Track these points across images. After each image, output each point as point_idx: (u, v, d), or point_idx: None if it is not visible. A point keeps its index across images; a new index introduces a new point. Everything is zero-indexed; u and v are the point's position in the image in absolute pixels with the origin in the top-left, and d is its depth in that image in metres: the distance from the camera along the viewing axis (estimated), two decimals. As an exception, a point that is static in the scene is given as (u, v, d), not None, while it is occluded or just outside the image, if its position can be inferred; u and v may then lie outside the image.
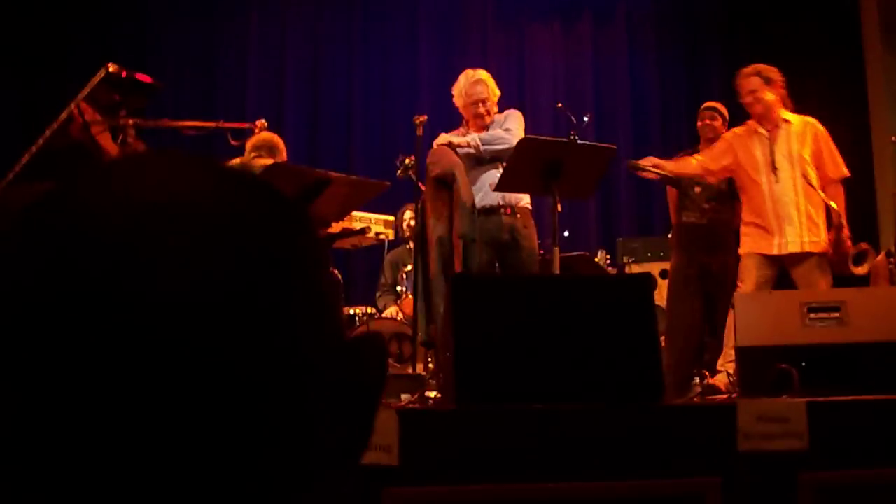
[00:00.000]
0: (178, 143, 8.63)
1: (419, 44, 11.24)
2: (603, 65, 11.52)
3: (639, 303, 3.76)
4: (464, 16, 11.44)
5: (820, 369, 4.93)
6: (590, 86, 11.40)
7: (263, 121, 5.75)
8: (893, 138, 7.06)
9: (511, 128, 6.23)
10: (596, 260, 8.43)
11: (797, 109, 10.38)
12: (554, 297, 3.67)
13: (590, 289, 3.84)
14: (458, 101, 6.50)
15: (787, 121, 6.86)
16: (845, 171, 6.81)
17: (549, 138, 5.90)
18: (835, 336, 5.05)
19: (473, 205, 6.05)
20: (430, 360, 6.86)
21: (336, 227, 5.74)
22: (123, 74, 6.22)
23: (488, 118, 6.42)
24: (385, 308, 8.11)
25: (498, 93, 6.49)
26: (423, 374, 5.72)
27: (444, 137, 6.25)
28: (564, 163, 5.59)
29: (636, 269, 9.18)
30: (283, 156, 6.85)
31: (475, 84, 6.45)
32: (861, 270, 6.70)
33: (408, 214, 7.97)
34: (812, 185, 6.58)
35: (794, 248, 6.61)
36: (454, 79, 6.70)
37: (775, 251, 6.62)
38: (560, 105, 6.52)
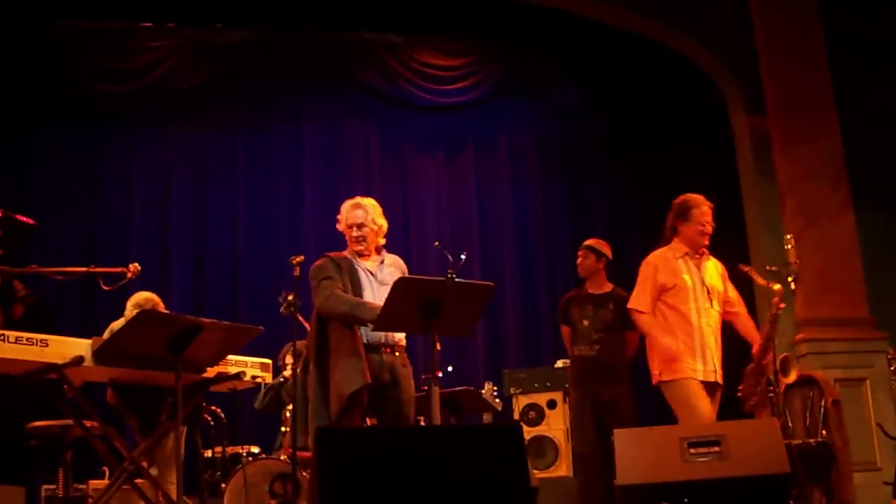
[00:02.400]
0: (59, 288, 8.52)
1: (303, 178, 11.28)
2: (487, 195, 11.65)
3: (510, 453, 3.71)
4: (348, 149, 11.52)
5: (701, 505, 4.91)
6: (474, 215, 11.53)
7: (136, 265, 5.67)
8: (768, 267, 7.17)
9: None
10: (483, 392, 8.38)
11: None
12: (423, 449, 3.61)
13: (459, 440, 3.79)
14: (340, 225, 6.45)
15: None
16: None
17: (425, 278, 5.88)
18: (716, 471, 5.05)
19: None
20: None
21: (211, 372, 5.63)
22: (1, 214, 6.14)
23: (363, 244, 6.31)
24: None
25: (381, 221, 6.39)
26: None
27: None
28: (443, 301, 5.57)
29: (524, 399, 9.20)
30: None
31: (352, 208, 6.39)
32: (790, 379, 6.77)
33: (288, 357, 7.91)
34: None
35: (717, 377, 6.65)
36: (337, 209, 6.66)
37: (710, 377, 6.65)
38: (437, 244, 6.48)
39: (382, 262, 6.34)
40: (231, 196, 11.13)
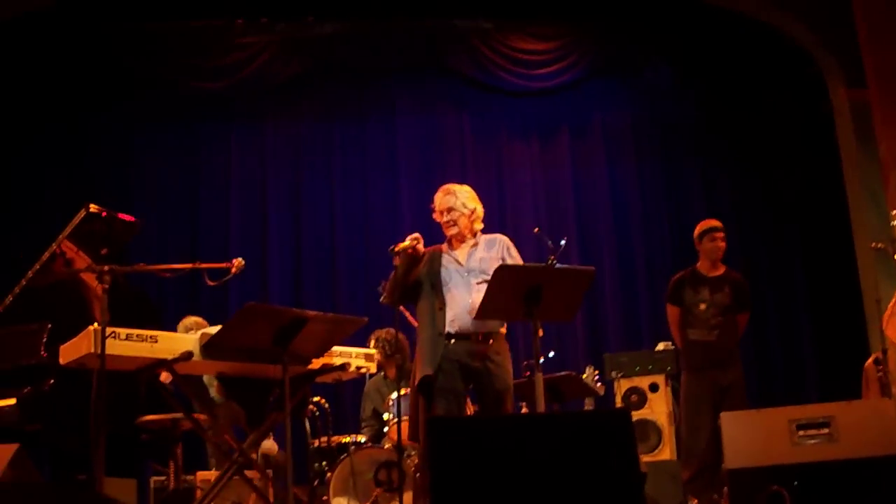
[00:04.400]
0: (161, 283, 8.69)
1: (398, 168, 11.34)
2: (582, 177, 11.58)
3: (619, 439, 3.70)
4: (441, 137, 11.54)
5: (812, 489, 4.85)
6: (570, 199, 11.45)
7: (240, 259, 5.74)
8: (873, 244, 7.05)
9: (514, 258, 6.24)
10: (584, 377, 8.36)
11: (777, 216, 10.53)
12: (532, 437, 3.62)
13: (568, 427, 3.78)
14: (434, 214, 6.45)
15: None
16: None
17: (526, 265, 5.88)
18: (826, 453, 4.97)
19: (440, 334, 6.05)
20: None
21: (316, 364, 5.68)
22: (104, 214, 6.27)
23: (455, 229, 6.31)
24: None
25: (473, 205, 6.36)
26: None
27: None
28: (544, 288, 5.56)
29: (625, 383, 9.12)
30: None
31: (443, 195, 6.40)
32: None
33: (371, 345, 7.98)
34: None
35: None
36: (433, 199, 6.65)
37: None
38: (537, 230, 6.48)
39: (475, 246, 6.33)
40: (327, 188, 11.25)
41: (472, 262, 6.24)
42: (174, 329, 7.33)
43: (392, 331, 7.74)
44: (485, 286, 5.80)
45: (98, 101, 10.89)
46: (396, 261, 6.10)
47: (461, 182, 6.71)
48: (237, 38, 11.08)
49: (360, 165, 11.35)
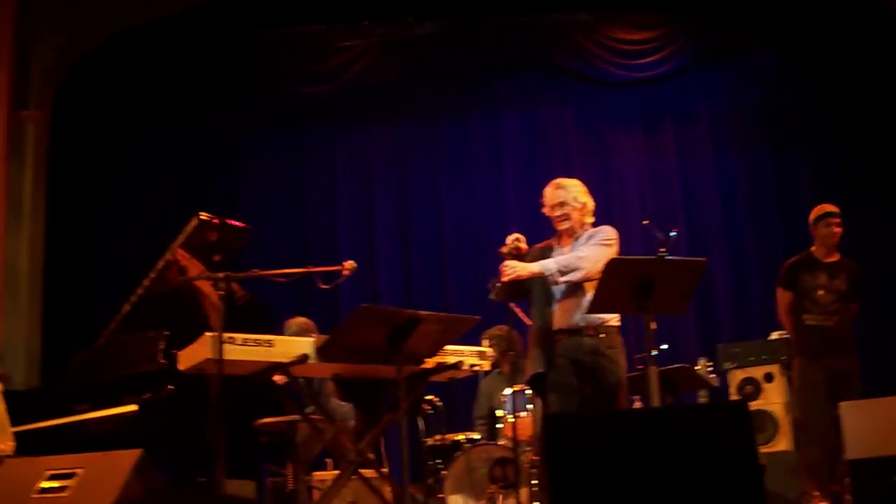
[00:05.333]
0: (272, 288, 8.81)
1: (503, 164, 11.36)
2: (688, 167, 11.47)
3: (737, 432, 3.66)
4: (545, 132, 11.54)
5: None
6: (677, 189, 11.36)
7: (352, 262, 5.79)
8: None
9: (585, 254, 5.99)
10: (697, 369, 8.29)
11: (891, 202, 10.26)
12: (650, 432, 3.59)
13: (685, 421, 3.75)
14: (544, 209, 6.42)
15: None
16: None
17: (637, 257, 5.82)
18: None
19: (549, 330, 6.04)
20: (535, 483, 6.80)
21: (429, 363, 5.71)
22: (215, 221, 6.38)
23: (567, 223, 6.28)
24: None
25: (584, 200, 6.31)
26: None
27: (514, 267, 6.08)
28: (655, 280, 5.51)
29: (739, 374, 9.01)
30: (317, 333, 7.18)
31: (553, 189, 6.36)
32: None
33: (485, 343, 7.98)
34: None
35: None
36: (539, 193, 6.63)
37: None
38: (647, 222, 6.39)
39: (579, 240, 6.28)
40: (433, 187, 11.34)
41: None
42: (283, 332, 7.44)
43: (504, 327, 7.74)
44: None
45: (207, 107, 11.12)
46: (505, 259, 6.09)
47: (567, 175, 6.67)
48: (338, 41, 11.21)
49: (464, 163, 11.42)
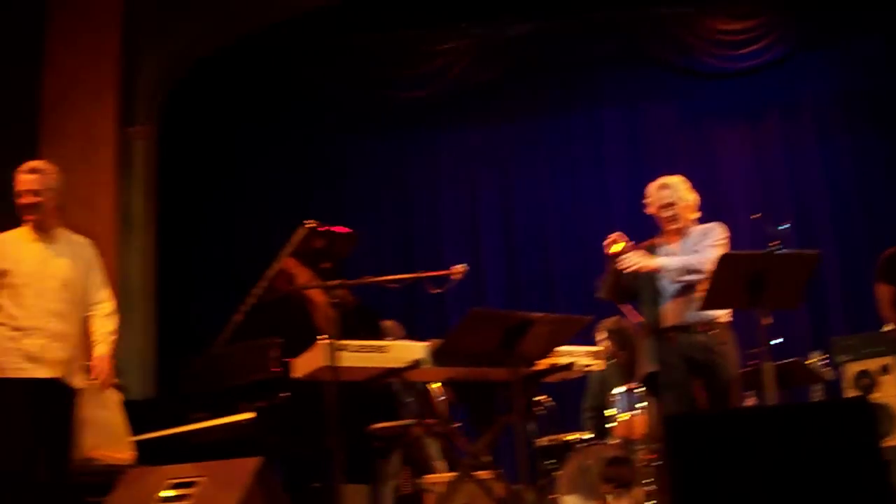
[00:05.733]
0: (379, 294, 8.87)
1: (607, 162, 11.34)
2: (795, 157, 11.28)
3: (861, 428, 3.59)
4: (647, 126, 11.46)
5: None
6: (784, 180, 11.18)
7: (459, 266, 5.81)
8: None
9: (707, 257, 5.90)
10: (808, 363, 8.16)
11: None
12: (771, 430, 3.56)
13: (806, 418, 3.69)
14: (649, 209, 6.38)
15: None
16: None
17: (749, 252, 5.76)
18: None
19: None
20: (649, 482, 6.75)
21: (542, 365, 5.71)
22: (321, 229, 6.45)
23: (676, 223, 6.24)
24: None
25: (690, 196, 6.29)
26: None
27: (636, 259, 6.04)
28: (768, 274, 5.45)
29: (855, 367, 8.82)
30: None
31: (660, 189, 6.31)
32: None
33: (601, 335, 7.95)
34: None
35: None
36: (642, 189, 6.59)
37: None
38: (758, 216, 6.34)
39: (687, 237, 6.23)
40: (537, 186, 11.32)
41: (687, 253, 6.16)
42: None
43: (620, 319, 7.70)
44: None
45: (310, 115, 11.25)
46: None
47: (671, 170, 6.62)
48: (435, 44, 11.25)
49: (567, 161, 11.40)
